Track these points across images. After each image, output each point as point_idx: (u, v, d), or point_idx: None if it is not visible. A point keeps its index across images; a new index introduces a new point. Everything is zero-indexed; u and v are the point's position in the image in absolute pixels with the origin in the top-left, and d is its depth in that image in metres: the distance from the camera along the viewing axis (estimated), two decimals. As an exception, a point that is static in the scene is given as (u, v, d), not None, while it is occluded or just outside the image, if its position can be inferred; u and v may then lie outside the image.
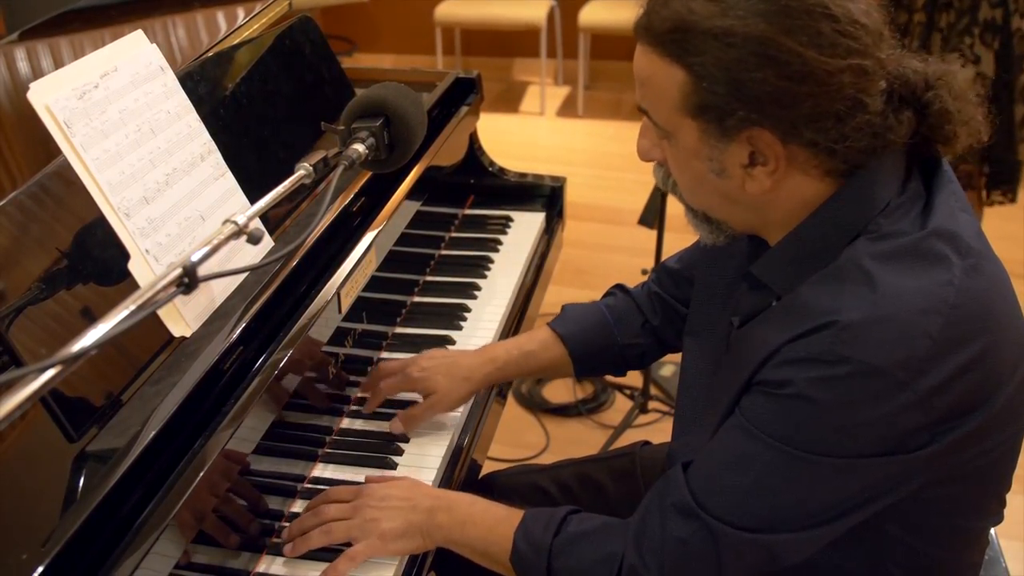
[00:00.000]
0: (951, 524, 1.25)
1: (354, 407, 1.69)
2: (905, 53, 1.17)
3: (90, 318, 1.26)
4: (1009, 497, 1.32)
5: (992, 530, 1.55)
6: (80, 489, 1.15)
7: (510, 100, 5.87)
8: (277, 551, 1.40)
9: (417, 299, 2.00)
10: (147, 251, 1.29)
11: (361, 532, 1.37)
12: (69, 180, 1.27)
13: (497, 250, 2.17)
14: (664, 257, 2.86)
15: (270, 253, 1.41)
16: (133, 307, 0.95)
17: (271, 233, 1.52)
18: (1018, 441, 1.23)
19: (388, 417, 1.65)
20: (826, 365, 1.08)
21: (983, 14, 3.32)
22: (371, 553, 1.36)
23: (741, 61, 1.08)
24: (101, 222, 1.27)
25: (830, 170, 1.15)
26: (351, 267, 1.61)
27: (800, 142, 1.12)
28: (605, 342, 1.70)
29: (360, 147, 1.35)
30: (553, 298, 2.38)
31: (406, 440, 1.62)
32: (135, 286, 1.27)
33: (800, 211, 1.19)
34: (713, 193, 1.22)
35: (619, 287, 1.77)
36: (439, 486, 1.54)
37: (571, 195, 2.43)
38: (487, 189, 2.34)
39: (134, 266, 1.28)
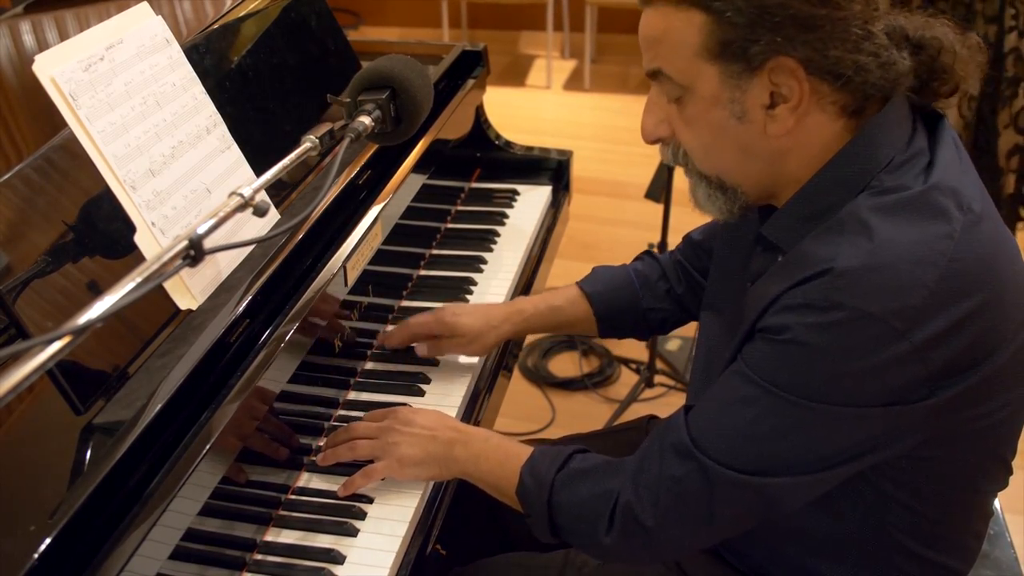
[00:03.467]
0: (952, 487, 1.26)
1: (360, 379, 1.70)
2: (895, 7, 1.18)
3: (96, 291, 1.26)
4: (1015, 471, 1.32)
5: (997, 505, 1.56)
6: (87, 461, 1.15)
7: (516, 73, 5.85)
8: (283, 523, 1.40)
9: (423, 272, 2.00)
10: (153, 223, 1.29)
11: (382, 452, 1.44)
12: (75, 153, 1.27)
13: (503, 223, 2.16)
14: (671, 231, 2.86)
15: (276, 226, 1.40)
16: (139, 279, 0.95)
17: (277, 206, 1.52)
18: (1022, 406, 1.23)
19: (395, 391, 1.65)
20: (821, 311, 1.10)
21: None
22: (387, 473, 1.43)
23: None
24: (107, 195, 1.27)
25: (844, 107, 1.16)
26: (357, 240, 1.61)
27: (821, 70, 1.12)
28: (629, 304, 1.74)
29: (366, 119, 1.34)
30: (559, 272, 2.38)
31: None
32: (141, 259, 1.27)
33: (813, 163, 1.19)
34: (731, 146, 1.21)
35: (648, 252, 1.80)
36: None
37: (577, 169, 2.42)
38: (493, 162, 2.33)
39: (140, 239, 1.28)
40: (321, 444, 1.55)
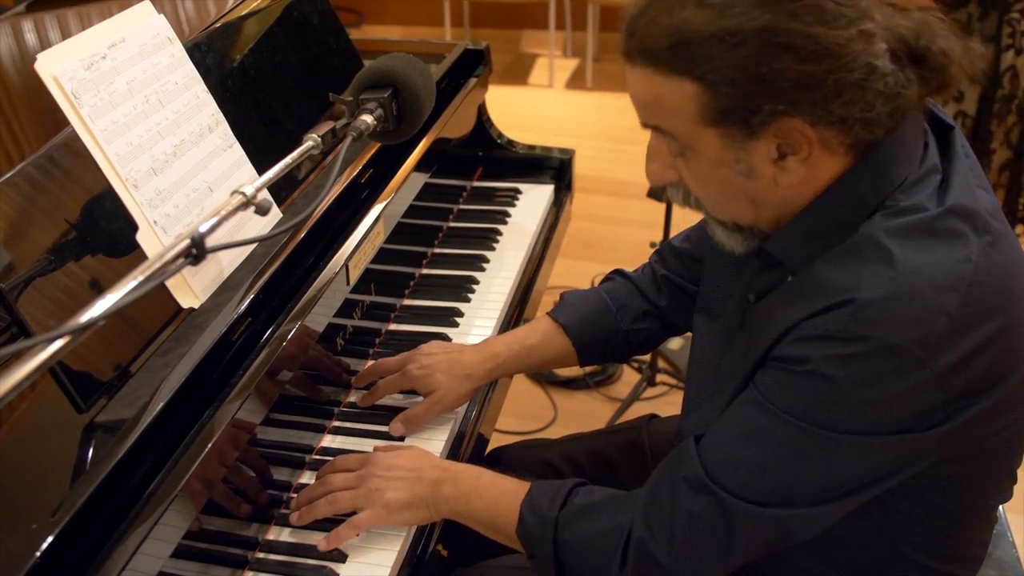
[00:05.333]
0: (962, 501, 1.25)
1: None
2: (890, 10, 1.15)
3: (98, 289, 1.26)
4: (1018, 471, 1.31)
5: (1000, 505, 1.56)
6: (89, 460, 1.15)
7: (519, 72, 5.84)
8: (285, 522, 1.40)
9: (425, 271, 2.00)
10: (155, 222, 1.29)
11: (366, 501, 1.37)
12: (77, 151, 1.27)
13: (505, 222, 2.16)
14: (673, 230, 2.86)
15: (278, 224, 1.40)
16: (141, 278, 0.95)
17: (279, 204, 1.52)
18: None
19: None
20: (844, 343, 1.08)
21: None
22: (375, 522, 1.37)
23: (754, 57, 1.06)
24: (109, 193, 1.28)
25: (855, 143, 1.13)
26: (359, 239, 1.61)
27: (828, 121, 1.09)
28: (608, 328, 1.67)
29: (368, 118, 1.34)
30: (561, 270, 2.38)
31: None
32: (143, 257, 1.27)
33: (822, 187, 1.17)
34: (742, 199, 1.19)
35: (617, 272, 1.74)
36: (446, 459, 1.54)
37: (579, 168, 2.42)
38: (496, 161, 2.33)
39: (142, 237, 1.28)
40: (323, 443, 1.55)
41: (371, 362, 1.72)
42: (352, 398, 1.66)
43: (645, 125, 1.19)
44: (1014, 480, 1.31)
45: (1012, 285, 1.13)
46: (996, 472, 1.26)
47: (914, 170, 1.15)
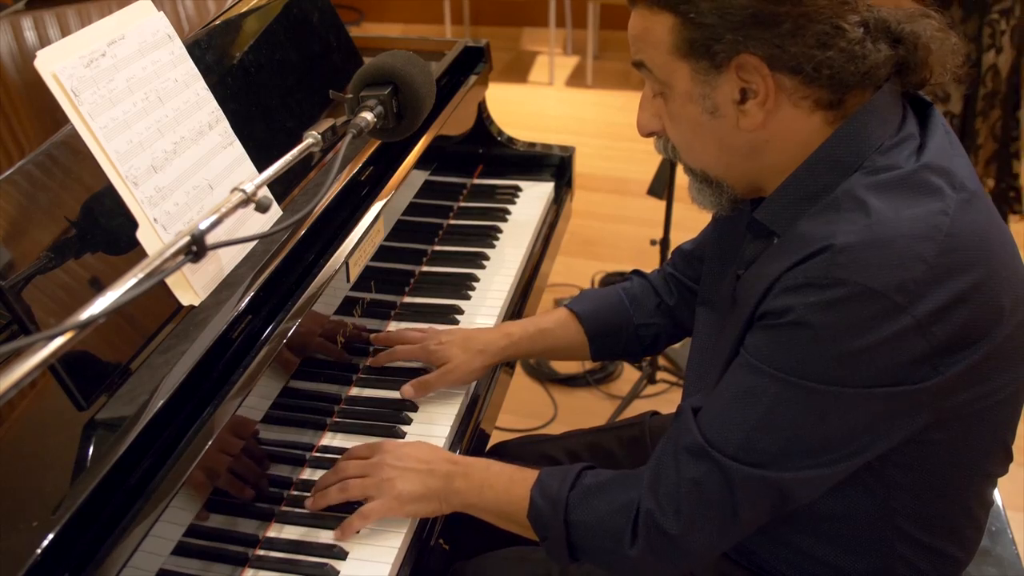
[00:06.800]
0: (953, 471, 1.26)
1: (362, 375, 1.70)
2: (882, 4, 1.19)
3: (99, 287, 1.26)
4: (1015, 468, 1.32)
5: (999, 501, 1.56)
6: (90, 457, 1.15)
7: (519, 70, 5.84)
8: (286, 519, 1.40)
9: (426, 269, 2.00)
10: (155, 220, 1.29)
11: (377, 491, 1.38)
12: (77, 149, 1.27)
13: (506, 220, 2.16)
14: (673, 228, 2.86)
15: (278, 222, 1.40)
16: (142, 275, 0.95)
17: (279, 202, 1.52)
18: (1021, 386, 1.24)
19: (397, 386, 1.65)
20: (823, 288, 1.10)
21: None
22: (385, 512, 1.38)
23: None
24: (109, 191, 1.28)
25: (818, 101, 1.17)
26: (359, 236, 1.61)
27: (785, 67, 1.14)
28: (621, 322, 1.71)
29: (368, 115, 1.34)
30: (561, 268, 2.39)
31: (415, 408, 1.62)
32: (143, 255, 1.27)
33: (796, 154, 1.21)
34: (709, 140, 1.24)
35: (636, 272, 1.78)
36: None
37: (580, 165, 2.42)
38: (496, 159, 2.33)
39: (142, 235, 1.28)
40: (323, 441, 1.55)
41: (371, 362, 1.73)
42: (353, 392, 1.66)
43: (634, 63, 1.26)
44: (1009, 456, 1.32)
45: (989, 240, 1.15)
46: (988, 442, 1.27)
47: (891, 136, 1.18)
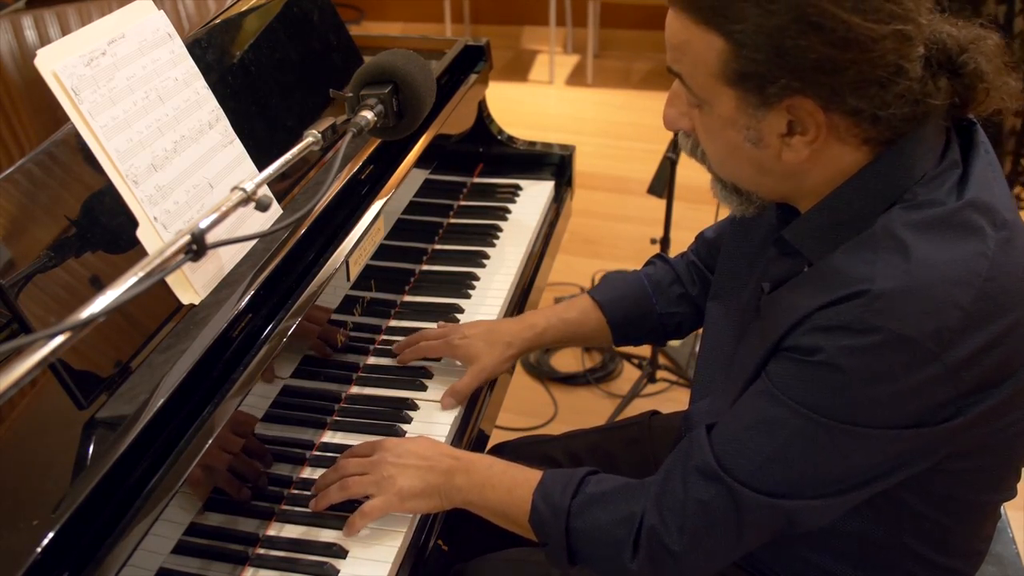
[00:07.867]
0: (967, 497, 1.25)
1: (362, 374, 1.70)
2: (941, 17, 1.14)
3: (99, 286, 1.26)
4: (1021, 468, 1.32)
5: (1000, 501, 1.56)
6: (90, 456, 1.15)
7: (519, 68, 5.84)
8: (286, 518, 1.40)
9: (426, 267, 2.00)
10: (155, 218, 1.29)
11: (378, 488, 1.38)
12: (77, 148, 1.27)
13: (506, 219, 2.16)
14: (673, 227, 2.86)
15: (278, 220, 1.41)
16: (142, 274, 0.95)
17: (279, 201, 1.52)
18: None
19: (397, 384, 1.65)
20: (857, 334, 1.08)
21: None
22: (387, 509, 1.38)
23: (784, 28, 1.05)
24: (109, 190, 1.28)
25: (868, 139, 1.13)
26: (360, 235, 1.61)
27: (842, 110, 1.10)
28: (644, 310, 1.70)
29: (369, 114, 1.35)
30: (561, 267, 2.38)
31: (415, 407, 1.62)
32: (143, 253, 1.27)
33: (834, 180, 1.17)
34: (745, 163, 1.20)
35: (659, 256, 1.77)
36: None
37: (580, 164, 2.42)
38: (496, 158, 2.33)
39: (142, 233, 1.28)
40: (324, 439, 1.55)
41: (372, 360, 1.73)
42: (354, 391, 1.66)
43: (670, 70, 1.20)
44: (1018, 477, 1.31)
45: None
46: (1001, 468, 1.26)
47: (934, 165, 1.14)
